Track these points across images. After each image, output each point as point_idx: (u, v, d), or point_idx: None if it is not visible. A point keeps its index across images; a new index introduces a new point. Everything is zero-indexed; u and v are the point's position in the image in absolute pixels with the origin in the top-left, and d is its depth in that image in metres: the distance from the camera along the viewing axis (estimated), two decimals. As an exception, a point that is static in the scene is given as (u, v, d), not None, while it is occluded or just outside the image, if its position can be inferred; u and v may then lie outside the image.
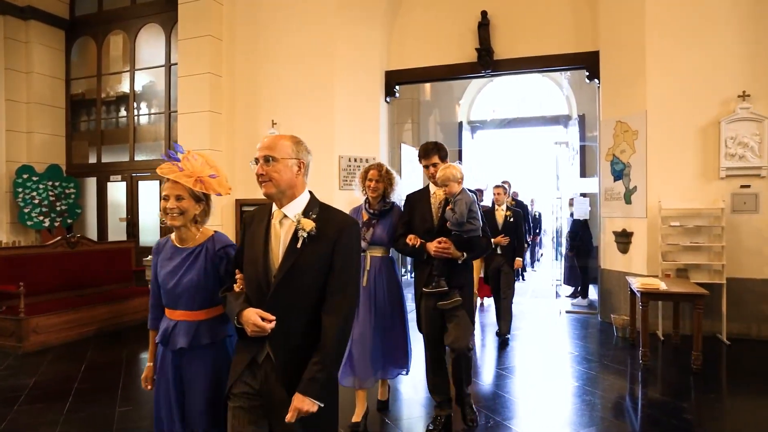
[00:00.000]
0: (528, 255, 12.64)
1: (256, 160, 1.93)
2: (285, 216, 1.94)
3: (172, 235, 2.33)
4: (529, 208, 12.26)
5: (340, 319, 1.87)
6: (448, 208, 3.32)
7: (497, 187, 6.26)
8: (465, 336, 3.34)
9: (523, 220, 6.43)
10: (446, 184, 3.31)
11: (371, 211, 3.70)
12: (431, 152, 3.55)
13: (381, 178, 3.68)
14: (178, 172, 2.20)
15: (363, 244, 3.57)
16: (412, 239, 3.38)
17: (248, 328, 1.85)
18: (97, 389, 4.45)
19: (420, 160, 3.61)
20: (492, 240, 5.62)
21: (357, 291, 2.00)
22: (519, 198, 10.23)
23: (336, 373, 1.94)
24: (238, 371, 1.95)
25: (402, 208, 3.74)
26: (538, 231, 12.84)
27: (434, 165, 3.53)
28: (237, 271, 2.06)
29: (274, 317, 1.83)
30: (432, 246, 3.29)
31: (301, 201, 1.96)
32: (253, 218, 2.06)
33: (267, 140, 1.96)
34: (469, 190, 3.42)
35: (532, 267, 12.48)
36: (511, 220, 6.08)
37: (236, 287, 2.02)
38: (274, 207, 1.98)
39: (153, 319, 2.38)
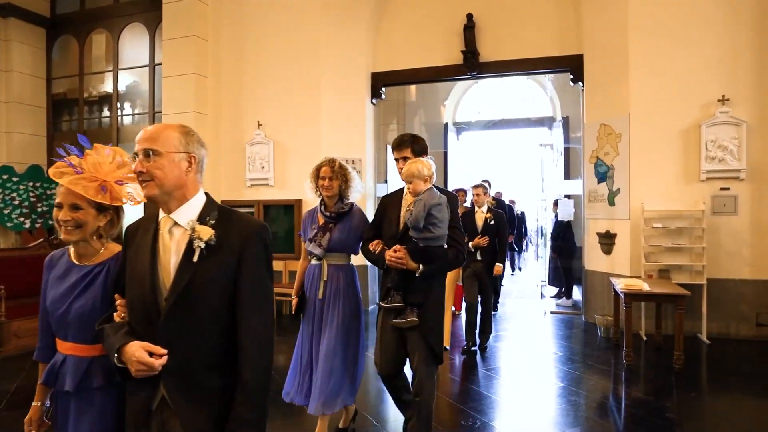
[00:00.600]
0: (508, 259, 12.65)
1: (135, 155, 1.57)
2: (176, 223, 1.59)
3: (71, 248, 1.89)
4: (514, 209, 12.33)
5: (258, 345, 1.56)
6: (406, 209, 2.92)
7: (476, 187, 5.88)
8: (429, 381, 2.89)
9: (506, 223, 6.01)
10: (410, 181, 2.88)
11: (327, 213, 3.36)
12: (404, 144, 3.12)
13: (334, 175, 3.32)
14: (74, 176, 1.78)
15: (318, 251, 3.29)
16: (374, 245, 3.03)
17: (132, 367, 1.49)
18: (80, 394, 4.39)
19: (393, 152, 3.19)
20: (470, 243, 5.45)
21: (272, 308, 1.69)
22: (502, 198, 10.27)
23: (266, 408, 1.61)
24: (132, 427, 1.59)
25: (362, 211, 3.50)
26: (524, 233, 12.86)
27: (405, 159, 3.10)
28: (117, 296, 1.69)
29: (165, 350, 1.49)
30: (387, 254, 2.88)
31: (195, 204, 1.61)
32: (137, 229, 1.69)
33: (149, 130, 1.58)
34: (442, 190, 2.99)
35: (512, 272, 12.29)
36: (492, 222, 5.69)
37: (116, 316, 1.66)
38: (162, 213, 1.62)
39: (40, 348, 1.95)
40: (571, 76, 7.29)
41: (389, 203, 3.15)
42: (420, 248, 2.81)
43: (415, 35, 7.85)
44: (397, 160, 3.16)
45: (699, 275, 5.98)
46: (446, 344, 5.44)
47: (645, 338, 6.06)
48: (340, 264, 3.38)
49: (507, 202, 12.33)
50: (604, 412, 4.04)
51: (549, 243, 8.96)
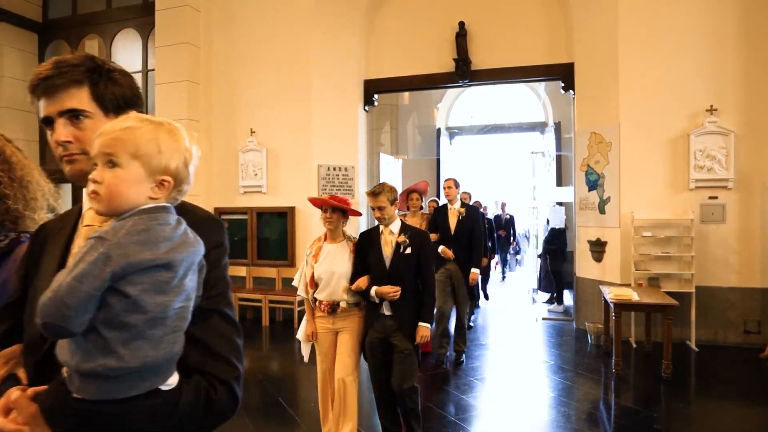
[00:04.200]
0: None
1: None
2: None
3: None
4: (501, 213, 12.30)
5: None
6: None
7: (447, 179, 5.19)
8: None
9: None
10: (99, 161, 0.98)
11: None
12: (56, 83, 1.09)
13: None
14: None
15: None
16: None
17: None
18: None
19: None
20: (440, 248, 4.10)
21: None
22: (469, 202, 9.78)
23: None
24: None
25: None
26: (513, 237, 12.84)
27: (71, 117, 1.11)
28: None
29: None
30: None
31: None
32: None
33: None
34: (203, 215, 1.18)
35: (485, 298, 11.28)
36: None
37: None
38: None
39: None
40: (563, 85, 7.35)
41: (46, 246, 1.22)
42: (83, 408, 0.90)
43: (408, 43, 7.89)
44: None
45: (688, 283, 6.06)
46: None
47: (635, 345, 6.13)
48: None
49: (498, 206, 12.33)
50: (594, 422, 4.10)
51: (541, 248, 9.03)
